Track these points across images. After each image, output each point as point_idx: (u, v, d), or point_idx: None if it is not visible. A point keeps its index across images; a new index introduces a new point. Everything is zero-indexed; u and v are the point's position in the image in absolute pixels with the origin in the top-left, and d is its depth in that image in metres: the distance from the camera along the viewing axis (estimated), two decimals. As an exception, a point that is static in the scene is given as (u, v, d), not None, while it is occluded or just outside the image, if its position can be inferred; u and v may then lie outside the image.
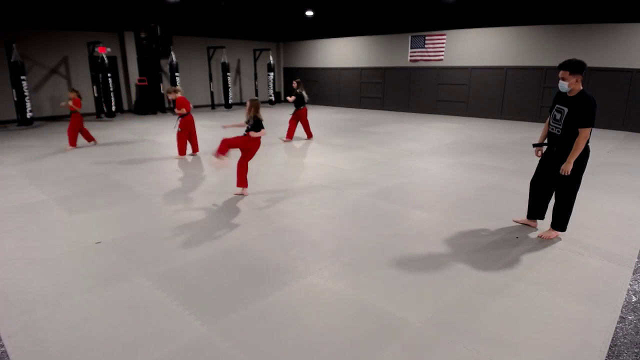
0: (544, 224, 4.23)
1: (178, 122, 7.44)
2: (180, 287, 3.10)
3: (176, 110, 7.39)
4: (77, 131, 8.40)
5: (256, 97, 5.30)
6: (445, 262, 3.51)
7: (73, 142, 8.36)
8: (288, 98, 9.24)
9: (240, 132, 5.29)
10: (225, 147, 5.04)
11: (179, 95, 7.49)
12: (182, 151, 7.60)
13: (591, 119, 3.61)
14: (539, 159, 4.17)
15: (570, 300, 2.93)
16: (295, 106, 9.19)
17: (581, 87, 3.66)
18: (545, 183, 4.05)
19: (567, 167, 3.68)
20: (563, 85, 3.67)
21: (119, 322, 2.67)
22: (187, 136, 7.58)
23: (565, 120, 3.70)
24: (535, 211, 4.22)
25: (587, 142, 3.71)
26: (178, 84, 14.56)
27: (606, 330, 2.58)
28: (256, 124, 5.08)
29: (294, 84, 9.30)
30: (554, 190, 3.99)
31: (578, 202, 5.10)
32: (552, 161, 3.91)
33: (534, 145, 4.20)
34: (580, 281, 3.19)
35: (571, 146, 3.68)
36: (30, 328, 2.61)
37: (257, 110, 5.09)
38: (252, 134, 5.07)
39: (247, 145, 5.22)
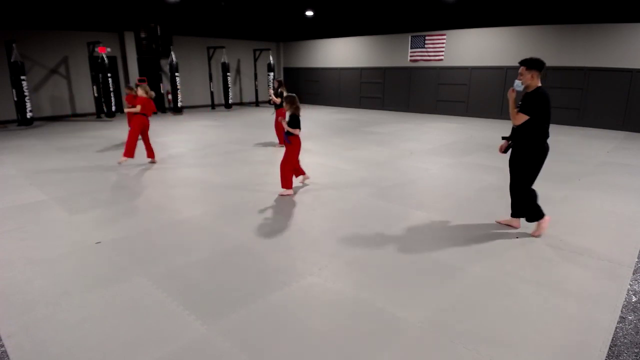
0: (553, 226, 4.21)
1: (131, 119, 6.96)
2: (180, 287, 3.10)
3: (128, 109, 6.90)
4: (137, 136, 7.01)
5: (293, 94, 5.38)
6: (445, 262, 3.51)
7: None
8: (275, 99, 8.42)
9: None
10: (290, 177, 5.34)
11: (140, 93, 6.88)
12: (131, 152, 6.82)
13: (531, 109, 3.72)
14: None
15: (570, 300, 2.93)
16: (278, 107, 8.50)
17: (539, 84, 3.77)
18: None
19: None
20: (517, 83, 3.81)
21: (119, 322, 2.67)
22: (138, 136, 6.88)
23: (520, 111, 3.85)
24: (515, 209, 4.27)
25: (545, 140, 3.83)
26: (178, 84, 14.58)
27: (606, 330, 2.58)
28: (293, 120, 5.17)
29: (276, 84, 8.74)
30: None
31: (578, 202, 5.11)
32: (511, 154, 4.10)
33: (503, 138, 4.27)
34: (580, 281, 3.19)
35: (523, 140, 3.85)
36: (30, 328, 2.61)
37: (293, 106, 5.21)
38: (289, 129, 5.17)
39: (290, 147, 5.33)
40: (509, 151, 4.14)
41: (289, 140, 5.24)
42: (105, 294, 3.00)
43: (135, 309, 2.82)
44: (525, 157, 3.88)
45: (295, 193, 5.43)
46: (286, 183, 5.34)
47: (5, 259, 3.56)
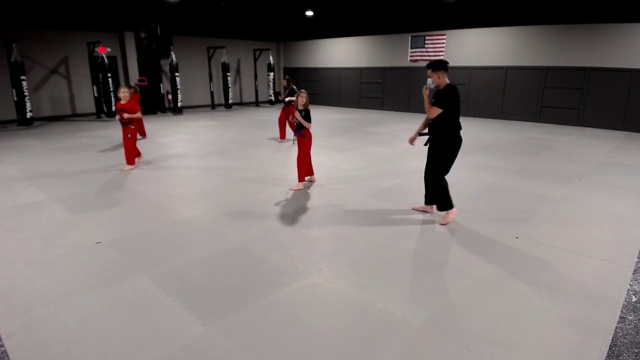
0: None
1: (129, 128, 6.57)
2: (180, 287, 3.10)
3: (127, 116, 6.36)
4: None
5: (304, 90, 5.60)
6: (445, 262, 3.51)
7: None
8: (286, 99, 8.69)
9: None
10: (304, 172, 5.58)
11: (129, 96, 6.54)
12: (132, 160, 6.80)
13: (442, 102, 4.09)
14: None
15: (570, 300, 2.93)
16: (288, 103, 8.76)
17: (447, 82, 4.15)
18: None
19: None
20: (429, 82, 4.21)
21: (119, 322, 2.67)
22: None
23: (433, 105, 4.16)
24: (428, 197, 4.62)
25: (457, 131, 4.21)
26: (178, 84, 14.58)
27: (606, 330, 2.58)
28: (307, 115, 5.37)
29: (285, 82, 8.94)
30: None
31: (578, 202, 5.11)
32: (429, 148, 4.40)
33: (420, 134, 4.53)
34: (580, 281, 3.19)
35: (439, 132, 4.20)
36: (30, 328, 2.61)
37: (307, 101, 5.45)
38: (305, 123, 5.35)
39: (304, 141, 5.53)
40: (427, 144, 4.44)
41: (303, 134, 5.42)
42: (105, 294, 3.00)
43: (135, 309, 2.82)
44: (440, 147, 4.25)
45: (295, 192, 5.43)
46: (301, 177, 5.60)
47: (5, 259, 3.56)
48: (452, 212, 4.38)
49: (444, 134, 4.21)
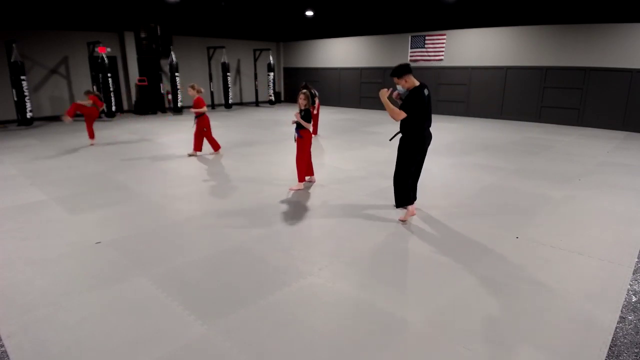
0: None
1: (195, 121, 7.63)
2: (180, 287, 3.10)
3: (194, 110, 7.52)
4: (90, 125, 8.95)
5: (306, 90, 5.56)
6: (445, 262, 3.51)
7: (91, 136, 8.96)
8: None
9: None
10: (303, 172, 5.59)
11: (197, 95, 7.57)
12: (198, 147, 7.76)
13: (405, 107, 4.11)
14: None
15: (570, 300, 2.93)
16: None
17: (416, 84, 4.16)
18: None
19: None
20: (399, 87, 4.25)
21: (119, 322, 2.67)
22: (204, 134, 7.73)
23: (400, 109, 4.19)
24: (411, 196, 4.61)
25: (419, 130, 4.23)
26: (179, 84, 14.59)
27: (606, 330, 2.58)
28: (307, 115, 5.35)
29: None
30: (416, 172, 4.54)
31: (578, 202, 5.11)
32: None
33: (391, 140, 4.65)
34: (580, 281, 3.19)
35: (406, 130, 4.24)
36: (30, 328, 2.61)
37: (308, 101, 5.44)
38: (304, 123, 5.34)
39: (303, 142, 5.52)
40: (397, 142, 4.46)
41: (301, 135, 5.41)
42: (105, 294, 3.00)
43: (135, 309, 2.82)
44: (405, 146, 4.27)
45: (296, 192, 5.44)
46: (300, 177, 5.59)
47: (5, 259, 3.56)
48: (412, 209, 4.49)
49: (408, 134, 4.26)
